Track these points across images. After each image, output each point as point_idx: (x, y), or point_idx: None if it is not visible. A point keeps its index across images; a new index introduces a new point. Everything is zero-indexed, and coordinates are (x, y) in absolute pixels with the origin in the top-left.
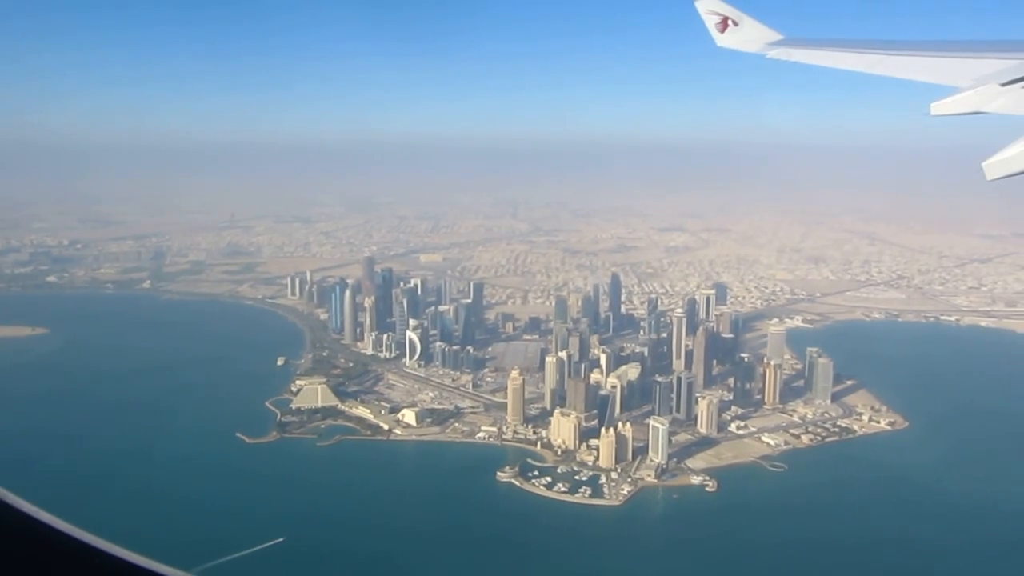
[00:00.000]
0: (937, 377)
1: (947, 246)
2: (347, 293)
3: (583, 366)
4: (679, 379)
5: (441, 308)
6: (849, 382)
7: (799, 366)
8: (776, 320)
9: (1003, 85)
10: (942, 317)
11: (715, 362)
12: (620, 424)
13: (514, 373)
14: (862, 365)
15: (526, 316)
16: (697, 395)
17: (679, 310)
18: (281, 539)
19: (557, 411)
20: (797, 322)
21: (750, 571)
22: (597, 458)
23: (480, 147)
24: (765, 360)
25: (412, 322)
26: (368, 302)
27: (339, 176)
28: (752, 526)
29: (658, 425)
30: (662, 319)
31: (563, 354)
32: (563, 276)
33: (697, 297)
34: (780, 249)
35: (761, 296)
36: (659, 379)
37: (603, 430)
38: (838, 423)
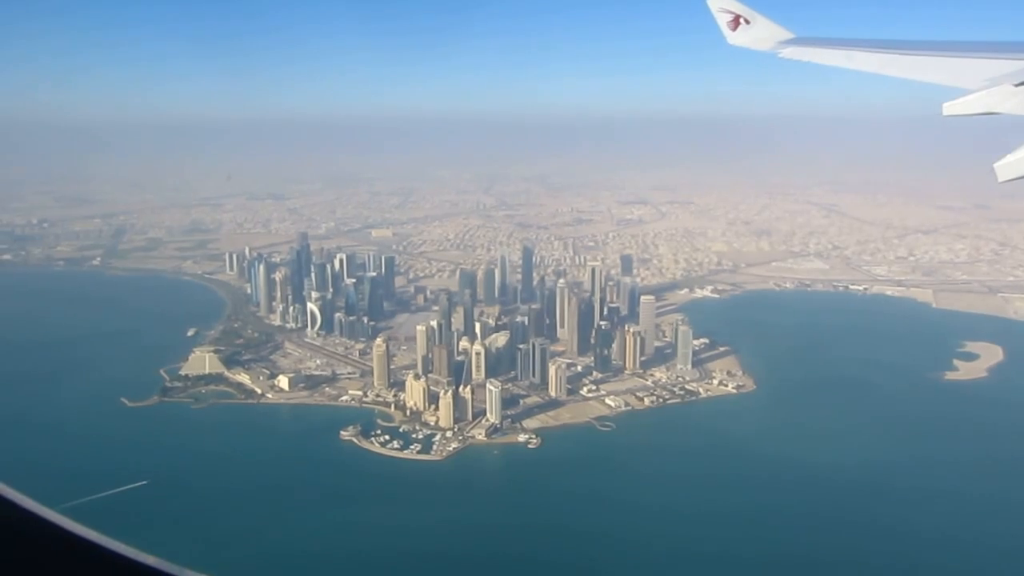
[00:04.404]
0: (811, 345)
1: (900, 217)
2: (261, 267)
3: (453, 334)
4: (534, 346)
5: (348, 281)
6: (722, 348)
7: None
8: (686, 290)
9: (1016, 86)
10: (851, 286)
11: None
12: (462, 387)
13: (378, 341)
14: (745, 332)
15: (449, 288)
16: (567, 360)
17: (562, 281)
18: (144, 482)
19: (410, 375)
20: (706, 292)
21: (527, 517)
22: None
23: (478, 121)
24: (626, 327)
25: (314, 294)
26: (279, 275)
27: (328, 153)
28: (551, 479)
29: (492, 388)
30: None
31: (433, 323)
32: (504, 250)
33: (594, 268)
34: (731, 222)
35: (686, 267)
36: (520, 346)
37: (441, 392)
38: (686, 387)
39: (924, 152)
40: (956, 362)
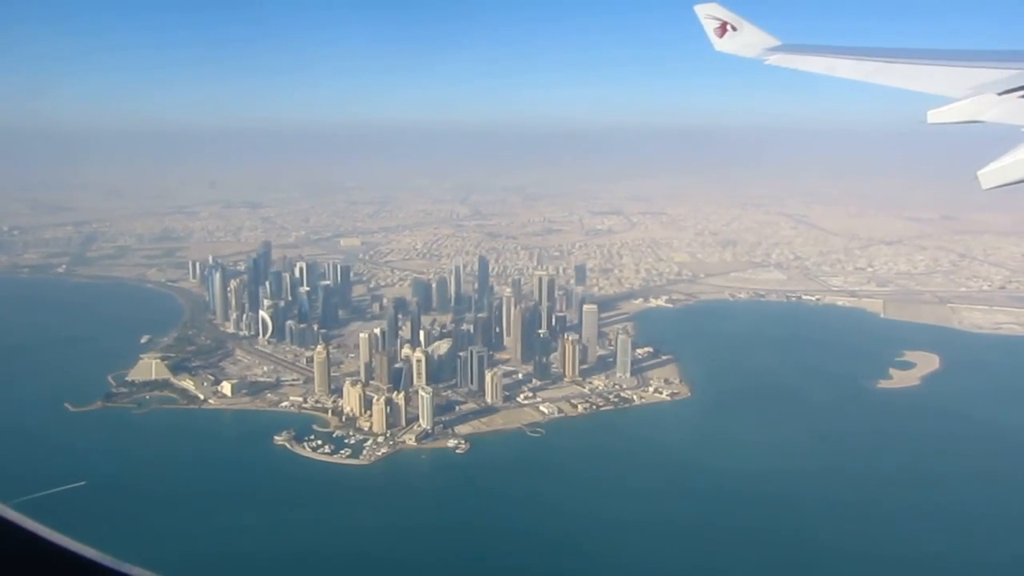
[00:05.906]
0: (752, 354)
1: (867, 228)
2: (217, 275)
3: (398, 341)
4: (472, 353)
5: (302, 289)
6: (665, 357)
7: None
8: (640, 300)
9: (1000, 95)
10: (804, 296)
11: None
12: (396, 393)
13: (319, 348)
14: (689, 342)
15: (405, 297)
16: (509, 368)
17: (508, 290)
18: (83, 482)
19: (347, 381)
20: (660, 302)
21: (445, 519)
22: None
23: (462, 131)
24: (565, 336)
25: (267, 302)
26: (235, 283)
27: (309, 161)
28: (474, 482)
29: (424, 394)
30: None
31: (378, 331)
32: (458, 259)
33: (541, 278)
34: (699, 232)
35: (646, 277)
36: (460, 354)
37: (375, 398)
38: (621, 394)
39: (905, 162)
40: (892, 371)
